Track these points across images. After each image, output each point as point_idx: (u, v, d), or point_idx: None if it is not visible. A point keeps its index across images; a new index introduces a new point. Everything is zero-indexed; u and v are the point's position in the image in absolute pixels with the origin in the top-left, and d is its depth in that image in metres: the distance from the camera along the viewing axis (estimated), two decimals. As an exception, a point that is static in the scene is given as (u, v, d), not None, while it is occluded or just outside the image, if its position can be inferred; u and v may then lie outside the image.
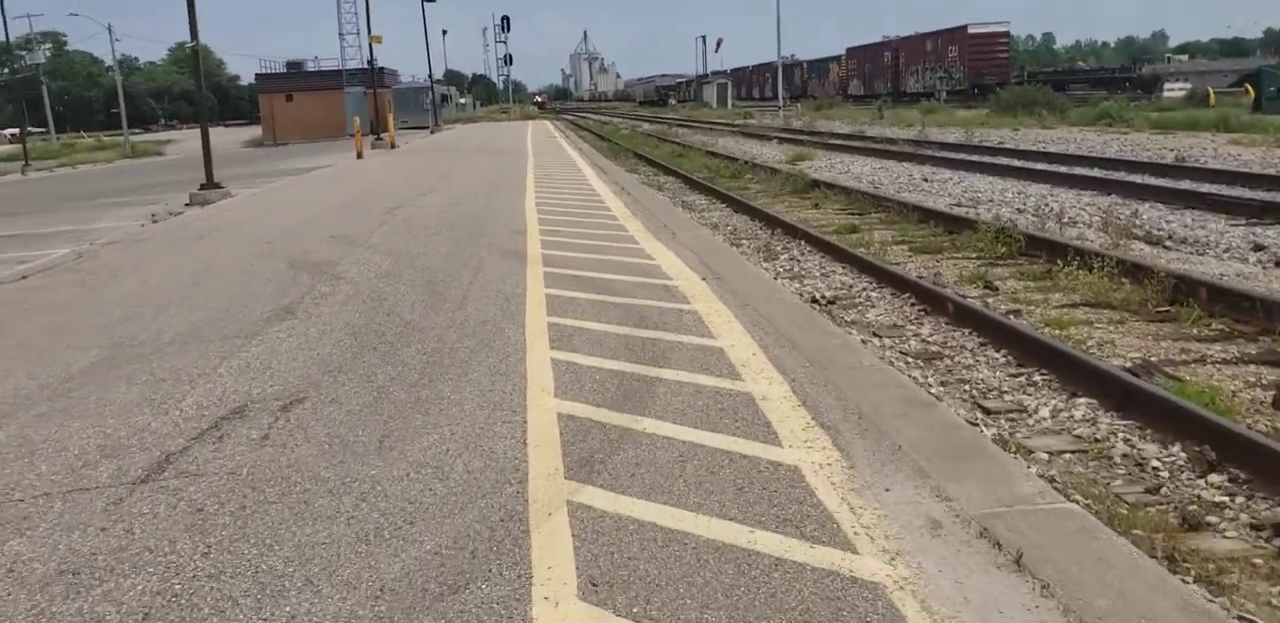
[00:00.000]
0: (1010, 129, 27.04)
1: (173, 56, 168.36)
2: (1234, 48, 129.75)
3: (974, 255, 9.34)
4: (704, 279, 7.82)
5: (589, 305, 6.96)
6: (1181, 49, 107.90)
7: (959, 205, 13.22)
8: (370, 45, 38.52)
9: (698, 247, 9.53)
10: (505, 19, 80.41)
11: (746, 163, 20.35)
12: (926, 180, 16.30)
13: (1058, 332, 6.55)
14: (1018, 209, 12.55)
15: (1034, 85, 39.29)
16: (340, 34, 63.25)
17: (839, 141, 26.42)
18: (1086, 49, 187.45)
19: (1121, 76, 64.34)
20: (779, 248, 10.51)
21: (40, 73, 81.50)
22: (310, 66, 71.44)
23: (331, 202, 14.98)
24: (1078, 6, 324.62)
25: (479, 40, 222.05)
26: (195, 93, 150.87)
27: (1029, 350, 5.92)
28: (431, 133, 52.81)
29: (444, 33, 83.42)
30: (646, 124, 53.39)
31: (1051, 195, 13.48)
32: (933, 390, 5.48)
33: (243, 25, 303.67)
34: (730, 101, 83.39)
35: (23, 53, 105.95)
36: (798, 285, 8.48)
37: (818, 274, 8.98)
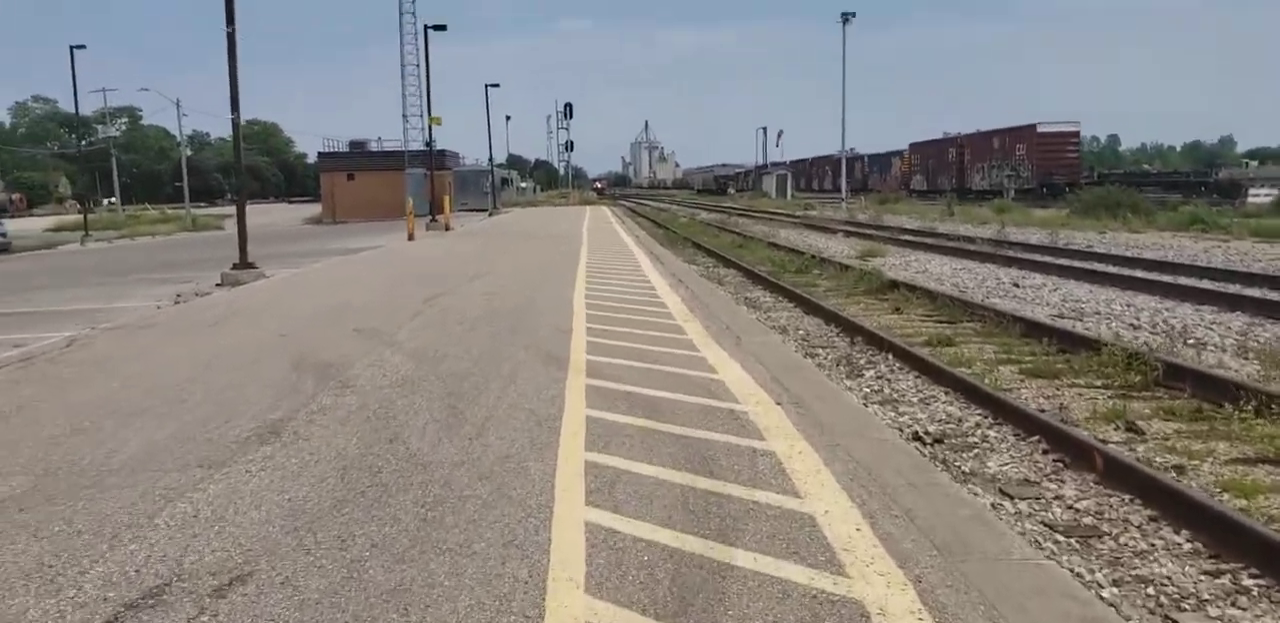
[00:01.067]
0: (1095, 232, 25.55)
1: (242, 133, 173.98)
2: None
3: (1099, 383, 7.84)
4: (779, 403, 6.45)
5: (638, 436, 5.61)
6: (1251, 155, 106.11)
7: (1062, 317, 11.75)
8: (429, 127, 38.32)
9: (767, 357, 8.18)
10: (568, 106, 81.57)
11: (813, 257, 19.09)
12: (1017, 285, 14.86)
13: (1244, 502, 5.04)
14: (1131, 324, 11.06)
15: (1110, 186, 37.84)
16: (404, 115, 64.17)
17: (910, 237, 25.14)
18: (1153, 152, 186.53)
19: (1197, 181, 62.78)
20: (863, 361, 9.10)
21: (111, 146, 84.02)
22: (373, 147, 72.56)
23: (368, 287, 13.93)
24: (1144, 109, 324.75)
25: (543, 126, 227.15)
26: (261, 168, 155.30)
27: (1223, 536, 4.42)
28: (490, 215, 52.64)
29: (508, 118, 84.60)
30: (705, 212, 52.73)
31: (1166, 309, 11.97)
32: (1105, 594, 4.00)
33: (313, 104, 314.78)
34: (790, 192, 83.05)
35: (98, 126, 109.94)
36: (893, 415, 7.05)
37: (915, 399, 7.54)
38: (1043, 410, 6.89)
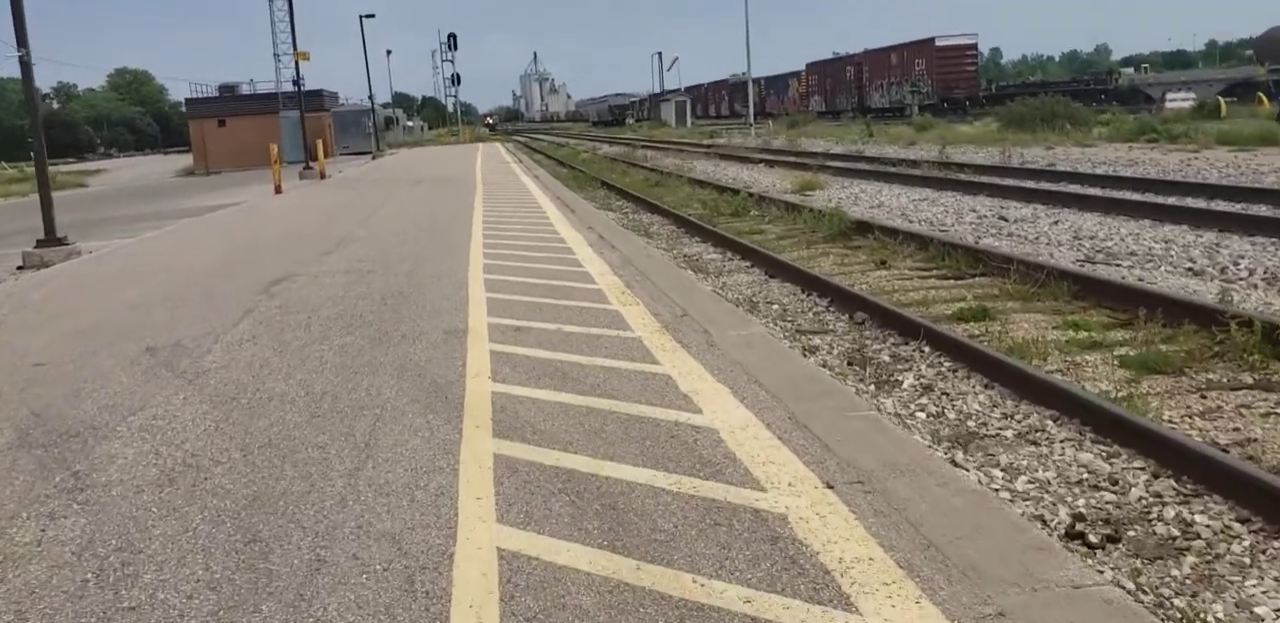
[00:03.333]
0: (1040, 147, 23.25)
1: (111, 83, 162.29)
2: (1178, 60, 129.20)
3: (1252, 383, 5.32)
4: (830, 485, 3.74)
5: (597, 590, 2.87)
6: (1126, 62, 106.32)
7: (1091, 262, 9.28)
8: (296, 63, 34.03)
9: (759, 368, 5.45)
10: (452, 37, 76.37)
11: (746, 194, 16.30)
12: (1004, 219, 12.34)
13: None
14: (1189, 269, 8.64)
15: (1033, 99, 35.44)
16: (275, 54, 58.48)
17: (841, 164, 22.51)
18: (1034, 63, 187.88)
19: (1097, 88, 61.52)
20: (885, 357, 6.41)
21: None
22: (245, 90, 66.76)
23: (195, 269, 10.65)
24: (1020, 21, 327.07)
25: (428, 63, 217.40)
26: (134, 119, 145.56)
27: None
28: (373, 159, 48.51)
29: (388, 52, 79.35)
30: (606, 145, 49.42)
31: (1216, 244, 9.58)
32: None
33: (187, 50, 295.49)
34: (689, 120, 79.98)
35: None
36: (1002, 479, 4.36)
37: (1010, 436, 4.87)
38: (1226, 450, 4.34)
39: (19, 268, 12.66)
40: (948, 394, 5.53)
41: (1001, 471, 4.43)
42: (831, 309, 7.89)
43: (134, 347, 6.71)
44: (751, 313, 7.87)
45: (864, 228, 11.47)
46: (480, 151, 46.43)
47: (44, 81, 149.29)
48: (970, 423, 5.10)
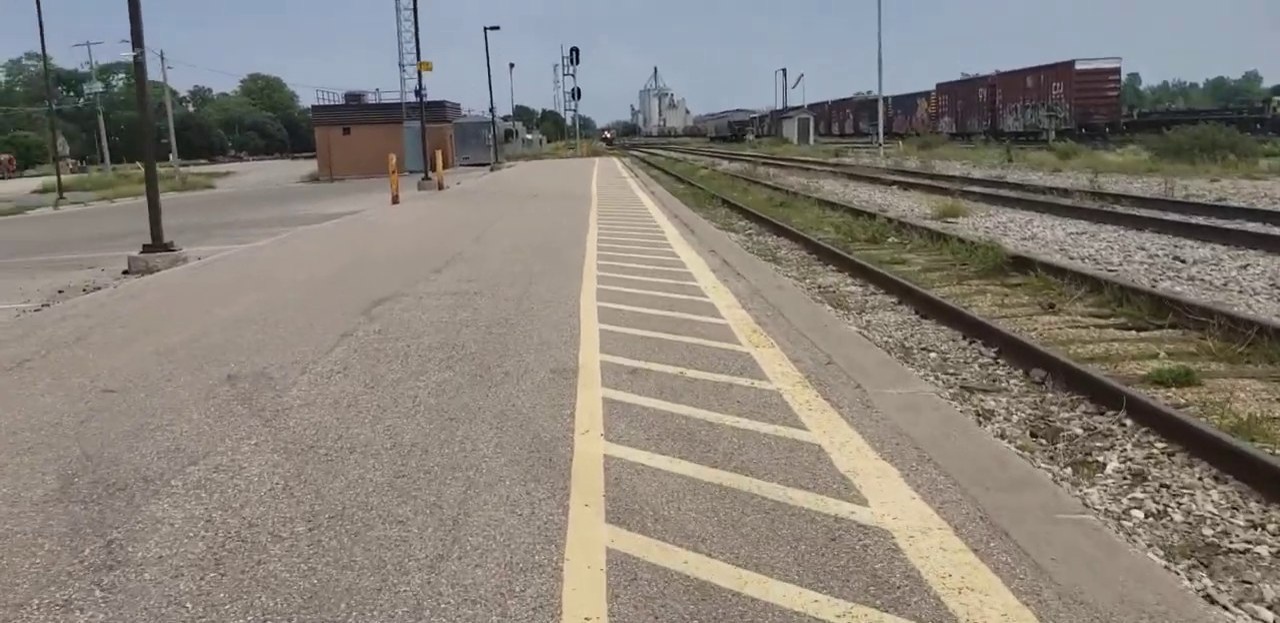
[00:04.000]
0: (1204, 179, 21.40)
1: (244, 88, 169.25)
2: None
3: None
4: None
5: None
6: (1278, 90, 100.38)
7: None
8: (420, 74, 34.14)
9: (928, 435, 4.48)
10: (574, 51, 76.58)
11: (886, 219, 15.17)
12: (1180, 260, 10.98)
13: None
14: None
15: (1196, 126, 32.90)
16: (401, 64, 59.72)
17: (983, 189, 21.09)
18: (1175, 90, 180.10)
19: (1251, 117, 57.87)
20: (1077, 429, 5.32)
21: (98, 102, 79.84)
22: (371, 99, 68.14)
23: (299, 283, 10.14)
24: (1163, 46, 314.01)
25: (549, 78, 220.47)
26: (265, 123, 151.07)
27: None
28: (491, 170, 48.70)
29: (511, 66, 79.86)
30: (725, 161, 48.56)
31: None
32: None
33: (318, 57, 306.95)
34: (812, 137, 78.57)
35: (99, 83, 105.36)
36: (1282, 627, 3.32)
37: (1267, 555, 3.78)
38: None
39: (124, 272, 12.43)
40: (1168, 487, 4.44)
41: (1270, 609, 3.35)
42: (1000, 361, 6.81)
43: (215, 374, 6.09)
44: (906, 361, 6.85)
45: (1023, 264, 10.30)
46: (597, 166, 46.14)
47: (181, 85, 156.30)
48: (1206, 530, 4.02)
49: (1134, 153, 30.99)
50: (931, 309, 8.50)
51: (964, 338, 7.52)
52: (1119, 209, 15.97)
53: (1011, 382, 6.36)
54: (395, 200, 24.00)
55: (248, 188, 55.34)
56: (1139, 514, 4.18)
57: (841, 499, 3.81)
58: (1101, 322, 7.94)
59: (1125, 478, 4.60)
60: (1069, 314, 8.29)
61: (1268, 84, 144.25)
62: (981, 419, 5.54)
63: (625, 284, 9.15)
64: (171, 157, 69.74)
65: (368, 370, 6.06)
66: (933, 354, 7.15)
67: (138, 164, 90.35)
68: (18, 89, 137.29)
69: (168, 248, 12.65)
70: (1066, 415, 5.56)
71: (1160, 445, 4.92)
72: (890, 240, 13.75)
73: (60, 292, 11.19)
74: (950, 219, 15.96)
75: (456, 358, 6.33)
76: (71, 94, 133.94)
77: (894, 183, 25.19)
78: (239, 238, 16.67)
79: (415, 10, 35.23)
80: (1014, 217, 16.18)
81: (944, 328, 7.95)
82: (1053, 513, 3.66)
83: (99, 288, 11.07)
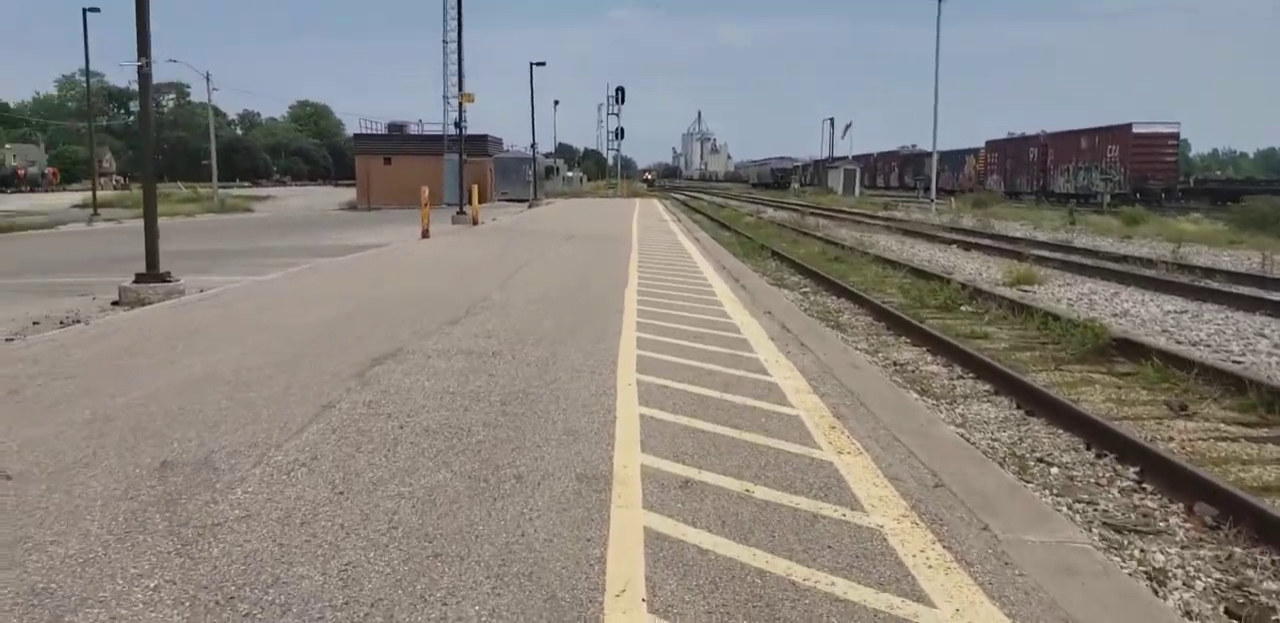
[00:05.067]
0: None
1: (293, 115, 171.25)
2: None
3: None
4: None
5: None
6: None
7: None
8: (461, 106, 33.27)
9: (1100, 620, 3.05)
10: (620, 90, 75.96)
11: (955, 283, 13.72)
12: (1314, 351, 9.46)
13: None
14: None
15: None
16: (445, 96, 58.91)
17: (1050, 253, 19.58)
18: (1225, 158, 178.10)
19: (1319, 189, 56.01)
20: (1300, 614, 3.87)
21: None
22: (413, 129, 67.76)
23: (292, 331, 8.79)
24: (1211, 115, 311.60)
25: (593, 117, 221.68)
26: (310, 150, 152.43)
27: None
28: (530, 207, 47.78)
29: (556, 103, 79.45)
30: (770, 209, 47.36)
31: None
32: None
33: (367, 86, 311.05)
34: (858, 189, 77.36)
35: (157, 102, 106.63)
36: None
37: None
38: None
39: (114, 303, 11.23)
40: None
41: None
42: (1145, 486, 5.35)
43: (148, 458, 4.75)
44: (1023, 477, 5.41)
45: (1130, 348, 8.84)
46: (637, 207, 45.05)
47: (230, 108, 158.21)
48: None
49: (1203, 221, 29.33)
50: (1036, 403, 7.04)
51: (1086, 446, 6.06)
52: (1211, 284, 14.44)
53: (1171, 521, 4.89)
54: (425, 234, 22.88)
55: (284, 213, 54.73)
56: None
57: None
58: (1253, 432, 6.46)
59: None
60: (1207, 419, 6.81)
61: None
62: (1153, 582, 4.09)
63: (670, 350, 7.79)
64: (213, 178, 69.47)
65: (341, 464, 4.70)
66: (1054, 470, 5.69)
67: (179, 184, 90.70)
68: (70, 104, 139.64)
69: (163, 278, 11.45)
70: (1272, 586, 4.10)
71: None
72: (964, 309, 12.31)
73: (35, 323, 9.98)
74: (1025, 286, 14.51)
75: (458, 449, 4.96)
76: (121, 111, 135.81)
77: (953, 242, 23.74)
78: (252, 268, 15.51)
79: (460, 42, 34.44)
80: (1096, 287, 14.68)
81: (1058, 430, 6.49)
82: None
83: (78, 321, 9.84)
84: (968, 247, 22.39)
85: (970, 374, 8.27)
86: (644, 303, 10.72)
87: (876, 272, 16.47)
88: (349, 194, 73.73)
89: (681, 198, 71.36)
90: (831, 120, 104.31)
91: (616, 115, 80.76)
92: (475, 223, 29.23)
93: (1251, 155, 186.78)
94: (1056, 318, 10.08)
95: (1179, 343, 9.94)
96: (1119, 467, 5.65)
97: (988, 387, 7.81)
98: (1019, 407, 7.15)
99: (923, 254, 21.15)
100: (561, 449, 4.98)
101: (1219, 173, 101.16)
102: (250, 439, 5.07)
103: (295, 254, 18.89)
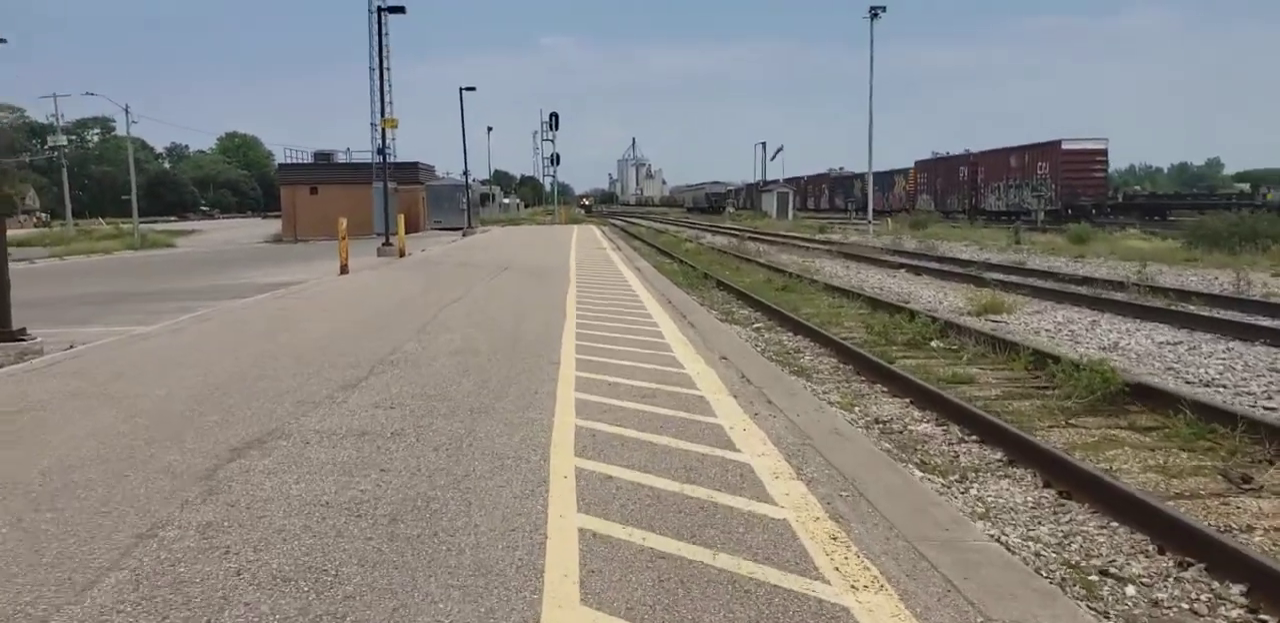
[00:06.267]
0: (1266, 272, 18.91)
1: (221, 146, 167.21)
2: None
3: None
4: None
5: None
6: (1241, 177, 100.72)
7: None
8: (383, 131, 31.60)
9: None
10: (554, 116, 74.51)
11: (920, 316, 12.47)
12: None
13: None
14: None
15: (1236, 212, 30.61)
16: (372, 124, 57.04)
17: (1007, 277, 18.52)
18: (1141, 174, 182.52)
19: (1243, 203, 56.61)
20: None
21: (62, 155, 77.04)
22: (341, 158, 65.63)
23: (143, 410, 7.07)
24: (1126, 131, 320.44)
25: (528, 144, 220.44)
26: (239, 182, 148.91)
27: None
28: (464, 235, 46.09)
29: (489, 129, 78.07)
30: (709, 234, 46.27)
31: None
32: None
33: (296, 118, 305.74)
34: (791, 212, 76.94)
35: (67, 136, 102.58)
36: None
37: None
38: None
39: (-43, 368, 9.47)
40: None
41: None
42: (1261, 615, 4.01)
43: None
44: (1093, 605, 4.04)
45: (1148, 395, 7.60)
46: (575, 234, 43.58)
47: (158, 142, 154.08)
48: None
49: (1153, 238, 28.75)
50: (1067, 478, 5.71)
51: (1158, 549, 4.72)
52: (1190, 308, 13.42)
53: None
54: (344, 270, 21.17)
55: (203, 248, 52.38)
56: None
57: None
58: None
59: None
60: (1269, 495, 5.53)
61: (1229, 170, 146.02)
62: None
63: (616, 417, 6.34)
64: (133, 213, 66.59)
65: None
66: (1129, 588, 4.32)
67: (101, 220, 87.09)
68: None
69: (15, 337, 9.71)
70: None
71: None
72: (935, 344, 11.06)
73: None
74: (994, 316, 13.35)
75: (313, 614, 3.44)
76: (43, 146, 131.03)
77: (900, 266, 22.67)
78: (144, 315, 13.74)
79: (381, 67, 32.85)
80: (1071, 315, 13.55)
81: (1108, 521, 5.15)
82: None
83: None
84: (917, 271, 21.30)
85: (972, 436, 6.93)
86: (583, 351, 9.26)
87: (829, 302, 15.23)
88: (277, 226, 71.28)
89: (620, 224, 70.13)
90: (764, 144, 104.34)
91: (551, 141, 79.38)
92: (402, 255, 27.55)
93: (1166, 170, 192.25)
94: (1056, 359, 8.81)
95: (1189, 383, 8.76)
96: (1212, 581, 4.31)
97: (999, 455, 6.47)
98: (1046, 485, 5.81)
99: (872, 280, 20.00)
100: (467, 606, 3.49)
101: (1139, 187, 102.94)
102: (15, 605, 3.48)
103: (199, 297, 17.11)
